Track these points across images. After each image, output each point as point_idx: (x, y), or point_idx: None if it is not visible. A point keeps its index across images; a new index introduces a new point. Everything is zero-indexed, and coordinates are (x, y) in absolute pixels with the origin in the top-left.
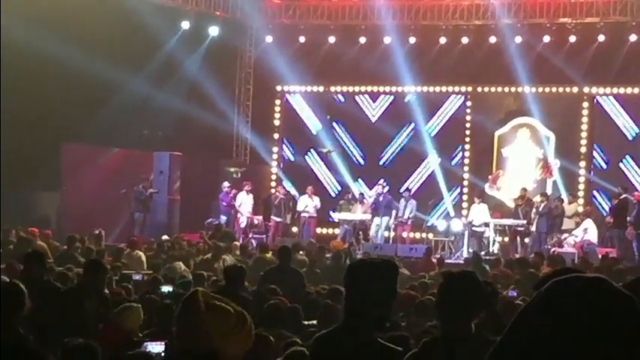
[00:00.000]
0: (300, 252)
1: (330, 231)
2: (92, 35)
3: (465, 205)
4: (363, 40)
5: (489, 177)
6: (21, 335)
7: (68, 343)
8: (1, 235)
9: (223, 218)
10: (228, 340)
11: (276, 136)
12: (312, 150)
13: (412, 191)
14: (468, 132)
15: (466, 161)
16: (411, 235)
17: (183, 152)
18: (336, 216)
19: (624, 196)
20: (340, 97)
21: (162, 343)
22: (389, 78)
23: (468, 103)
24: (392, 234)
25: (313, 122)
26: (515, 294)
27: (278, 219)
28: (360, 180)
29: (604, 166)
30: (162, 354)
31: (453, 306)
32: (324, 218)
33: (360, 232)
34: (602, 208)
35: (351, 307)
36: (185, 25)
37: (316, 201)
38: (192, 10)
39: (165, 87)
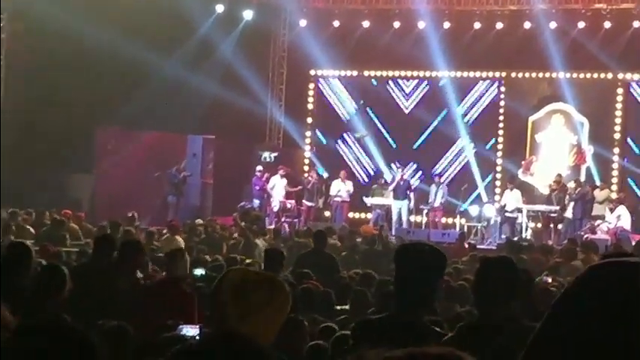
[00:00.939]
0: (333, 236)
1: (363, 215)
2: (126, 18)
3: (497, 190)
4: (397, 24)
5: (522, 163)
6: (61, 317)
7: (102, 325)
8: (4, 218)
9: (256, 202)
10: (258, 316)
11: (309, 120)
12: (345, 135)
13: (445, 177)
14: (501, 117)
15: (499, 147)
16: (444, 220)
17: (216, 135)
18: (368, 201)
19: None
20: (374, 81)
21: (197, 326)
22: (423, 63)
23: (502, 89)
24: (424, 219)
25: (346, 107)
26: (549, 280)
27: (310, 203)
28: (393, 164)
29: (637, 152)
30: (197, 337)
31: (490, 292)
32: (357, 203)
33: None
34: (636, 194)
35: (402, 289)
36: (219, 8)
37: (349, 185)
38: None
39: (199, 70)
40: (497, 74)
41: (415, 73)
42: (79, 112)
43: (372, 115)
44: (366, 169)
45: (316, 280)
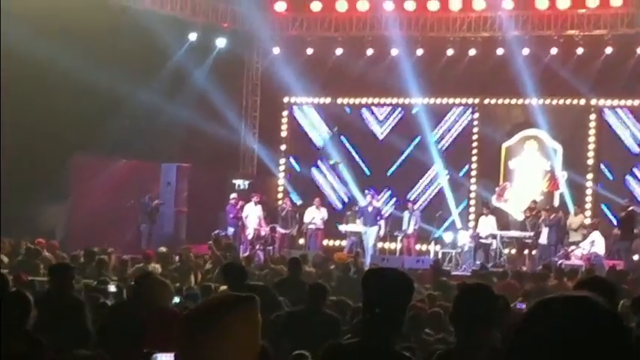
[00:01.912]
0: (308, 264)
1: (337, 243)
2: (101, 47)
3: (472, 217)
4: (370, 51)
5: (496, 189)
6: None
7: (77, 354)
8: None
9: (230, 230)
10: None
11: (283, 147)
12: (318, 162)
13: (419, 203)
14: (475, 144)
15: (473, 173)
16: (418, 246)
17: (190, 164)
18: (342, 228)
19: (631, 208)
20: (347, 109)
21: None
22: (396, 90)
23: (476, 115)
24: (399, 245)
25: (320, 134)
26: (523, 306)
27: (284, 231)
28: (366, 191)
29: (611, 178)
30: None
31: (468, 319)
32: (331, 230)
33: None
34: (610, 220)
35: (369, 314)
36: (192, 36)
37: (323, 212)
38: (199, 22)
39: (173, 98)
40: (470, 101)
41: (389, 100)
42: (54, 139)
43: (346, 142)
44: (340, 196)
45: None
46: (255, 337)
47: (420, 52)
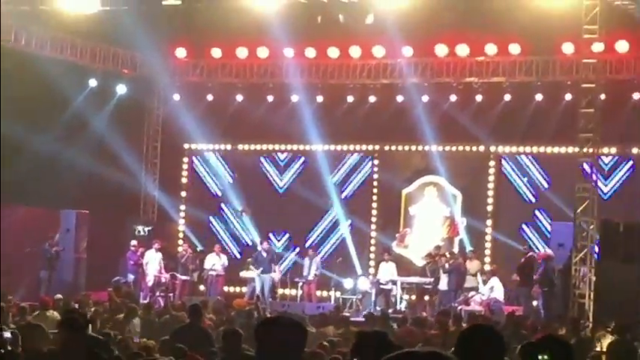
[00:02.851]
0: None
1: (238, 289)
2: None
3: (372, 263)
4: (270, 98)
5: (397, 235)
6: None
7: None
8: None
9: (131, 277)
10: None
11: (183, 194)
12: (220, 208)
13: (320, 250)
14: (375, 190)
15: (373, 219)
16: (319, 293)
17: (90, 210)
18: (243, 274)
19: (530, 254)
20: (247, 155)
21: None
22: (296, 136)
23: (376, 162)
24: (299, 292)
25: (220, 181)
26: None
27: (185, 277)
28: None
29: (508, 225)
30: None
31: None
32: (232, 276)
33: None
34: (509, 266)
35: None
36: (92, 82)
37: (224, 259)
38: (99, 68)
39: (72, 145)
40: (370, 147)
41: (289, 147)
42: None
43: (246, 189)
44: (240, 243)
45: (191, 355)
46: None
47: (320, 98)
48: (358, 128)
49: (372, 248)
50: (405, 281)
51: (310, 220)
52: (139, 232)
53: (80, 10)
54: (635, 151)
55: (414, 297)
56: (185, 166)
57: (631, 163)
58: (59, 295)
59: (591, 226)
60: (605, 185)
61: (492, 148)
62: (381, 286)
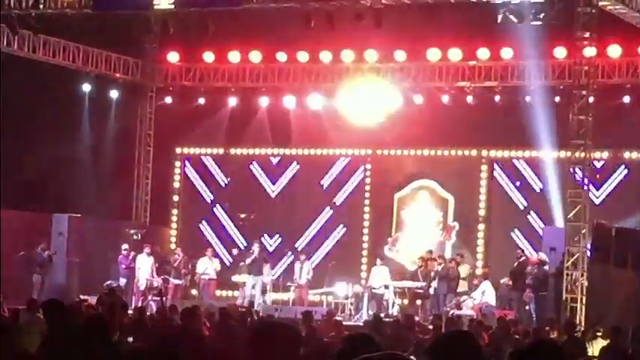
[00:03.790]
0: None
1: (230, 293)
2: None
3: (364, 267)
4: (263, 102)
5: (389, 239)
6: None
7: None
8: None
9: (123, 280)
10: None
11: (175, 198)
12: (212, 212)
13: (313, 254)
14: (367, 194)
15: (366, 223)
16: (311, 297)
17: (82, 214)
18: (235, 278)
19: (523, 258)
20: (240, 159)
21: None
22: (289, 140)
23: (368, 166)
24: (292, 295)
25: (213, 185)
26: (413, 358)
27: (177, 281)
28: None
29: (501, 229)
30: None
31: None
32: (224, 280)
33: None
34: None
35: None
36: (86, 87)
37: (216, 263)
38: (92, 72)
39: (65, 148)
40: (362, 152)
41: (282, 151)
42: None
43: (239, 193)
44: (233, 246)
45: None
46: None
47: (313, 102)
48: (351, 132)
49: (364, 252)
50: (397, 285)
51: (302, 224)
52: (132, 236)
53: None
54: (627, 155)
55: (406, 301)
56: (177, 170)
57: (623, 167)
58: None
59: (583, 231)
60: (597, 190)
61: (484, 153)
62: (374, 291)
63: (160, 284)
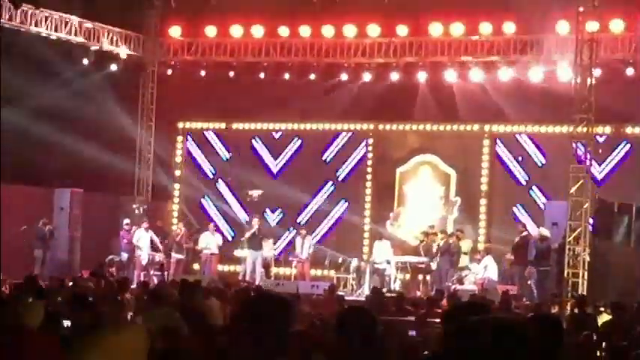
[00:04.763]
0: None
1: (232, 268)
2: None
3: (366, 242)
4: (265, 77)
5: (391, 214)
6: None
7: None
8: None
9: (124, 255)
10: None
11: (177, 172)
12: (214, 186)
13: (314, 228)
14: (369, 169)
15: (367, 198)
16: (313, 272)
17: (84, 189)
18: (238, 253)
19: (525, 233)
20: (242, 133)
21: None
22: (291, 115)
23: (370, 141)
24: (293, 270)
25: (215, 159)
26: (414, 333)
27: (179, 256)
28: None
29: (503, 203)
30: None
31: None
32: (226, 255)
33: (263, 269)
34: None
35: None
36: (86, 61)
37: (218, 238)
38: (94, 47)
39: (66, 123)
40: (365, 126)
41: (284, 126)
42: None
43: (241, 168)
44: (234, 222)
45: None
46: None
47: (312, 76)
48: (353, 107)
49: (367, 227)
50: (399, 260)
51: (304, 199)
52: (134, 210)
53: None
54: (629, 130)
55: (408, 276)
56: (179, 145)
57: (626, 142)
58: None
59: (585, 206)
60: (600, 165)
61: (487, 128)
62: (376, 266)
63: (162, 259)
